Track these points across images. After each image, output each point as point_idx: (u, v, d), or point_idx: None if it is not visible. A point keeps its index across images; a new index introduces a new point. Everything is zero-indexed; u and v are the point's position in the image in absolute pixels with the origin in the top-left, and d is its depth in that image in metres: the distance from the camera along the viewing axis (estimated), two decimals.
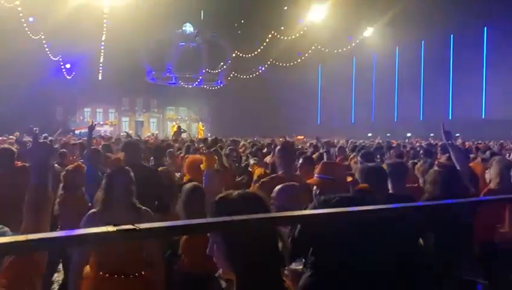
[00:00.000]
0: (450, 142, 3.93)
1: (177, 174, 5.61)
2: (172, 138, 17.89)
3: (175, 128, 21.97)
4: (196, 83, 38.24)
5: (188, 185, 3.58)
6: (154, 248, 3.04)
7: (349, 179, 3.02)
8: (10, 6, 23.26)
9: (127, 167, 3.26)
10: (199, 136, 25.37)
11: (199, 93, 38.46)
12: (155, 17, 29.07)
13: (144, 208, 3.12)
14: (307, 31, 31.24)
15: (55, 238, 0.89)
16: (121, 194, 3.01)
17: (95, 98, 34.39)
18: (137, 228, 0.92)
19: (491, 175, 4.00)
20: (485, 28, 27.58)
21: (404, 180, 3.50)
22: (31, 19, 26.77)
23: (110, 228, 0.92)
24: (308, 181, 2.99)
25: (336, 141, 14.93)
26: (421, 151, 7.57)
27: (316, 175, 2.92)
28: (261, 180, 3.75)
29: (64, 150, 7.01)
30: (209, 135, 28.98)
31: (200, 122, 35.96)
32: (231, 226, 1.09)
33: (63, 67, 29.87)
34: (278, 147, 4.09)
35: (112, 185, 3.03)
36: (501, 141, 14.41)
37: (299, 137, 24.47)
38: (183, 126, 28.72)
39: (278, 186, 2.99)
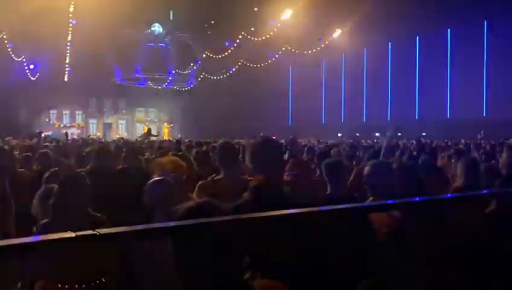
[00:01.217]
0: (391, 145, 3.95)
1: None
2: (138, 139, 17.60)
3: (145, 130, 21.70)
4: (166, 83, 37.82)
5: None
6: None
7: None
8: None
9: (82, 174, 3.13)
10: (165, 138, 25.15)
11: (169, 95, 38.04)
12: (123, 17, 28.58)
13: (98, 215, 2.93)
14: (278, 32, 31.43)
15: (10, 246, 0.85)
16: (75, 203, 2.81)
17: (61, 100, 33.43)
18: (97, 233, 0.89)
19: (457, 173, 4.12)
20: (449, 30, 28.46)
21: (343, 181, 3.25)
22: None
23: (70, 234, 0.88)
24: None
25: (303, 141, 15.09)
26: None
27: (285, 173, 2.92)
28: (200, 183, 3.54)
29: (29, 153, 6.78)
30: (179, 136, 28.73)
31: (166, 123, 35.55)
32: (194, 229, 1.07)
33: (26, 68, 28.94)
34: (218, 148, 3.85)
35: (66, 193, 2.83)
36: (464, 140, 14.90)
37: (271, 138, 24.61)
38: (153, 128, 28.31)
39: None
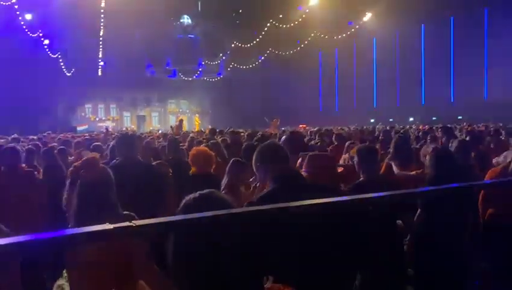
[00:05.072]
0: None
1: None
2: (170, 131, 17.83)
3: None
4: (196, 75, 38.14)
5: None
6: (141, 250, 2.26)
7: (340, 169, 2.94)
8: (6, 4, 23.28)
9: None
10: (196, 129, 25.37)
11: (200, 86, 38.37)
12: (152, 9, 28.90)
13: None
14: (306, 18, 31.01)
15: (45, 240, 0.88)
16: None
17: (95, 94, 34.39)
18: (133, 225, 0.92)
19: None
20: (486, 10, 27.30)
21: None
22: (28, 17, 26.68)
23: (107, 226, 0.92)
24: None
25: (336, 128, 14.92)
26: (428, 137, 7.53)
27: (303, 170, 2.82)
28: None
29: (63, 147, 7.00)
30: (209, 126, 28.96)
31: (197, 115, 35.84)
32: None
33: (62, 63, 29.77)
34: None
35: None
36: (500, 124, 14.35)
37: (301, 126, 24.41)
38: (185, 119, 28.66)
39: None
